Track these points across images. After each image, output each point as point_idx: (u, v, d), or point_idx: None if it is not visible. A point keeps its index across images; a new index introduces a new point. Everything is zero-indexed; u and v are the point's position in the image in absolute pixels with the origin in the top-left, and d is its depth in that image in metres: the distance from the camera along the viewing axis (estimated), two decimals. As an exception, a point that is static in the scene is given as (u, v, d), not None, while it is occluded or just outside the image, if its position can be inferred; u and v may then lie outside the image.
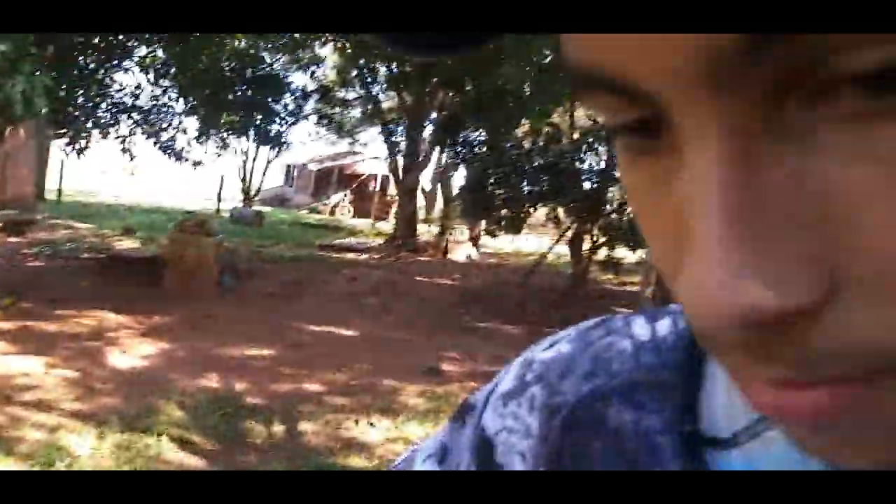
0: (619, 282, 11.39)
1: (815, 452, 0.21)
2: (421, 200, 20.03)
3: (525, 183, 10.16)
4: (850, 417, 0.19)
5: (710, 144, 0.18)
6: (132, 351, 5.55)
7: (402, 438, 4.21)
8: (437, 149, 14.69)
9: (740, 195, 0.18)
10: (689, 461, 0.31)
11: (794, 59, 0.17)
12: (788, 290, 0.18)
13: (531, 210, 10.29)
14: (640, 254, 8.60)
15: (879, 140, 0.17)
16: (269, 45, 13.29)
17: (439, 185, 20.93)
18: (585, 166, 10.18)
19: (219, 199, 20.19)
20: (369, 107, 16.30)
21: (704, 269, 0.18)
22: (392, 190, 21.59)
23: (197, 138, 12.73)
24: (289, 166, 30.01)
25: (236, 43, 11.25)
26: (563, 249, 11.13)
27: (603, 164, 10.07)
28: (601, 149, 10.13)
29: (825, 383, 0.19)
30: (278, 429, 4.21)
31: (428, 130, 14.63)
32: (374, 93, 14.87)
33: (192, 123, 12.19)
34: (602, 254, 9.96)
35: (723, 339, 0.19)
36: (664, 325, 0.36)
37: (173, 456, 3.67)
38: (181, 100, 11.23)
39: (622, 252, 9.79)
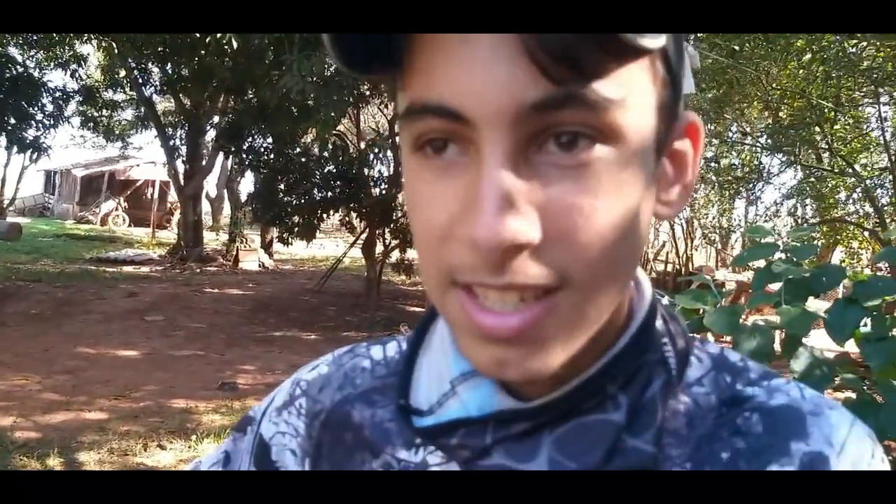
0: (411, 283, 11.80)
1: (491, 366, 0.38)
2: (206, 207, 19.07)
3: (316, 189, 10.17)
4: (529, 335, 0.36)
5: (499, 155, 0.34)
6: None
7: (198, 457, 4.06)
8: (222, 154, 14.09)
9: (509, 182, 0.34)
10: (403, 425, 0.47)
11: (535, 126, 0.34)
12: (528, 233, 0.34)
13: (324, 216, 10.33)
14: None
15: (566, 171, 0.35)
16: (20, 41, 11.85)
17: (226, 192, 20.05)
18: (375, 173, 10.43)
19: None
20: (142, 109, 15.18)
21: (488, 218, 0.33)
22: (172, 197, 20.30)
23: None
24: (49, 172, 26.91)
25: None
26: (358, 253, 11.29)
27: (391, 172, 10.38)
28: (389, 156, 10.45)
29: (523, 306, 0.36)
30: (55, 462, 3.85)
31: (210, 135, 14.00)
32: (147, 95, 13.87)
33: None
34: (394, 256, 10.27)
35: (488, 258, 0.34)
36: (392, 347, 0.53)
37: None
38: None
39: (413, 253, 10.17)
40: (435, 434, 0.44)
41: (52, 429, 4.35)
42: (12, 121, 10.82)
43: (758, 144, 8.95)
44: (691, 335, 0.47)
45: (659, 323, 0.45)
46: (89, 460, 3.93)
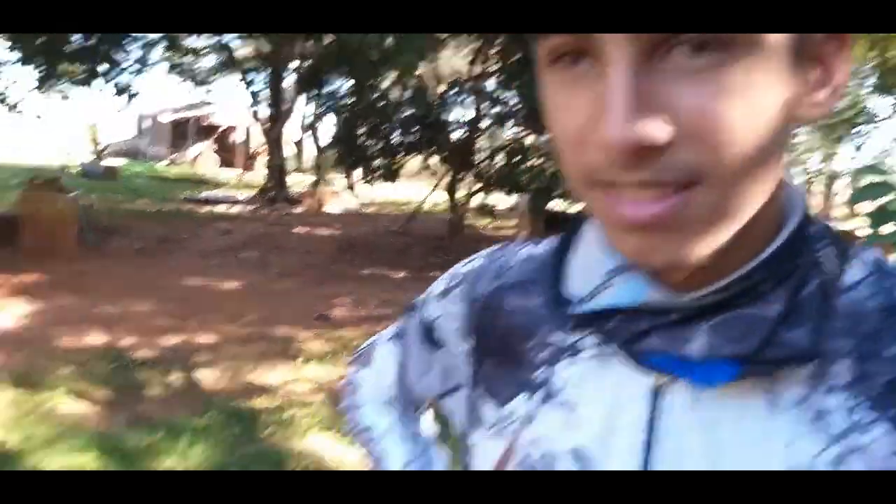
0: (495, 227, 11.85)
1: (636, 253, 0.40)
2: (290, 150, 19.51)
3: (397, 133, 10.25)
4: (669, 223, 0.38)
5: (624, 63, 0.36)
6: (3, 310, 5.21)
7: (304, 379, 4.31)
8: (303, 97, 14.33)
9: (634, 87, 0.36)
10: (555, 311, 0.50)
11: (658, 37, 0.36)
12: (656, 132, 0.36)
13: (404, 159, 10.42)
14: (514, 198, 9.01)
15: (693, 75, 0.36)
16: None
17: (308, 135, 20.42)
18: (453, 117, 10.41)
19: (67, 154, 18.61)
20: (224, 55, 15.52)
21: (618, 120, 0.36)
22: (256, 140, 20.83)
23: (38, 89, 11.60)
24: (141, 117, 28.04)
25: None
26: (438, 198, 11.37)
27: (472, 116, 10.33)
28: (469, 100, 10.38)
29: (660, 197, 0.38)
30: (174, 378, 4.17)
31: (291, 79, 14.22)
32: (225, 41, 14.15)
33: (27, 74, 11.08)
34: (478, 200, 10.30)
35: (620, 157, 0.37)
36: (541, 247, 0.57)
37: (70, 409, 3.57)
38: (13, 50, 10.16)
39: (497, 198, 10.18)
40: (591, 320, 0.47)
41: (168, 349, 4.69)
42: (104, 67, 11.26)
43: (864, 86, 8.47)
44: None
45: (813, 228, 0.45)
46: (204, 377, 4.23)
